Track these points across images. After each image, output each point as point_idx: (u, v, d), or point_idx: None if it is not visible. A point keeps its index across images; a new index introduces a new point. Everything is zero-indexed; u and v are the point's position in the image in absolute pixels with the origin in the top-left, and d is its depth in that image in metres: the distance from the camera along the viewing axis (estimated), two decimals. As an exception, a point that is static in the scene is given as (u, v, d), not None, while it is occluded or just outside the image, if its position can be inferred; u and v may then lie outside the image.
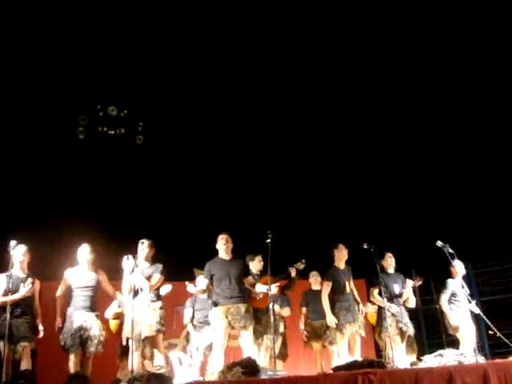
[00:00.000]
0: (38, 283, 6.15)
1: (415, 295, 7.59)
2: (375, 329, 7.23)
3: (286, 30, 8.90)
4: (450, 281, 7.32)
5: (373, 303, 7.42)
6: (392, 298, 7.03)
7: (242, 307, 6.00)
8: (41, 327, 6.04)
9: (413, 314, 7.34)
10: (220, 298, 6.04)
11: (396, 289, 7.11)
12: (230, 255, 6.27)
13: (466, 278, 7.58)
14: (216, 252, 6.29)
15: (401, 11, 8.69)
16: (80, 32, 8.39)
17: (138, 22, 8.53)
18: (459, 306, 7.19)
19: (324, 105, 9.87)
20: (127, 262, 5.85)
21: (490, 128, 9.61)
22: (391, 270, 7.27)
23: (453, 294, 7.29)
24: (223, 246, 6.23)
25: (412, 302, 7.33)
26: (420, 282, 7.35)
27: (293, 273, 6.94)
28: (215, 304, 6.07)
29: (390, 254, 7.30)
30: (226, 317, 5.91)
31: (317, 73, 9.49)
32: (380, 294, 6.88)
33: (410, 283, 7.17)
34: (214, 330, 6.00)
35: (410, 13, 8.70)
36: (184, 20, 8.66)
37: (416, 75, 9.43)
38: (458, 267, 7.28)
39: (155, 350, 5.97)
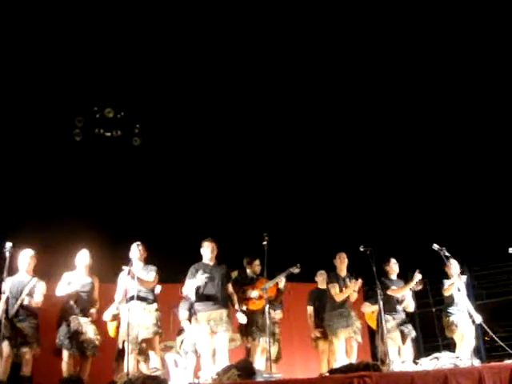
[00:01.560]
0: (42, 284, 6.12)
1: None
2: (376, 333, 7.23)
3: (284, 30, 8.89)
4: (446, 281, 7.30)
5: (372, 303, 7.43)
6: (395, 303, 7.07)
7: (224, 312, 6.04)
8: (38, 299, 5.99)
9: (409, 317, 7.33)
10: (202, 303, 6.05)
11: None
12: (214, 261, 6.29)
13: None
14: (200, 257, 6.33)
15: (401, 11, 8.70)
16: (77, 34, 8.37)
17: (134, 24, 8.52)
18: (456, 307, 7.17)
19: (321, 108, 9.88)
20: (125, 268, 5.86)
21: (487, 131, 9.62)
22: (394, 276, 7.28)
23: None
24: (210, 255, 6.28)
25: (411, 306, 7.34)
26: (420, 287, 7.34)
27: (281, 283, 6.97)
28: (198, 310, 6.08)
29: (394, 260, 7.32)
30: (208, 323, 5.93)
31: (313, 77, 9.50)
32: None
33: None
34: (198, 336, 6.01)
35: (410, 13, 8.71)
36: (181, 22, 8.65)
37: (413, 78, 9.44)
38: (454, 267, 7.30)
39: (152, 352, 5.96)
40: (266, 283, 6.49)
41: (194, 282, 6.08)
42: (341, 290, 6.89)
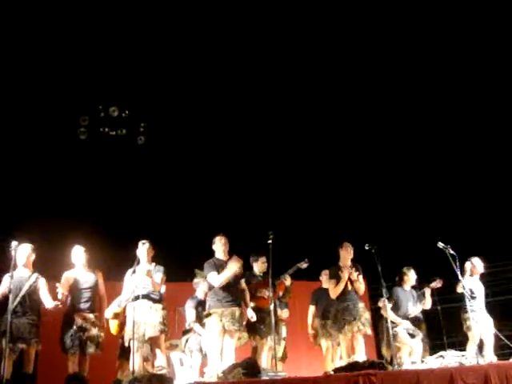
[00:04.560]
0: (43, 281, 6.11)
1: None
2: (381, 341, 7.22)
3: (286, 30, 8.90)
4: (466, 277, 7.22)
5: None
6: (403, 315, 7.10)
7: (237, 311, 6.00)
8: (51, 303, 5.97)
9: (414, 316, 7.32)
10: (214, 300, 6.02)
11: (410, 307, 7.17)
12: (227, 256, 6.28)
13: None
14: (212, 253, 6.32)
15: (401, 11, 8.69)
16: (81, 33, 8.39)
17: (139, 23, 8.53)
18: (473, 305, 7.14)
19: (326, 105, 9.87)
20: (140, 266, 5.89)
21: (492, 127, 9.60)
22: (407, 287, 7.30)
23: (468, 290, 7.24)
24: (222, 249, 6.23)
25: (428, 304, 7.34)
26: (439, 285, 7.31)
27: (288, 281, 6.96)
28: (209, 306, 6.06)
29: (413, 272, 7.31)
30: (221, 320, 5.89)
31: (317, 72, 9.49)
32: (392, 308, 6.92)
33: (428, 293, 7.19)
34: (209, 333, 6.00)
35: (410, 13, 8.70)
36: (185, 20, 8.66)
37: (416, 75, 9.42)
38: (477, 264, 7.31)
39: (158, 351, 5.97)
40: (276, 280, 6.51)
41: (225, 274, 5.99)
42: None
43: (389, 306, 6.93)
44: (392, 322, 6.89)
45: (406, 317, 7.13)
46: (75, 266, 6.29)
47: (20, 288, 5.89)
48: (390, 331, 6.48)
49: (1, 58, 8.19)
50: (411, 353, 6.95)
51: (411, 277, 7.31)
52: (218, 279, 6.00)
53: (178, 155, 9.66)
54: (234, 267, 6.04)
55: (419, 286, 7.52)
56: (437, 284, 7.25)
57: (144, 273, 5.88)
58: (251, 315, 6.40)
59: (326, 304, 7.27)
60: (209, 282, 6.13)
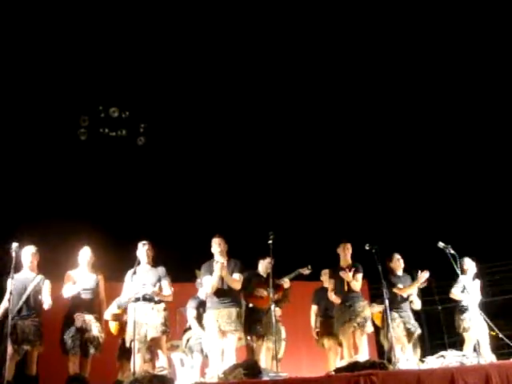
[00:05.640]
0: (47, 282, 6.13)
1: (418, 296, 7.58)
2: (381, 330, 7.22)
3: (286, 31, 8.90)
4: (462, 277, 7.17)
5: (379, 303, 7.41)
6: (401, 300, 7.08)
7: (234, 311, 6.02)
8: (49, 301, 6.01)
9: (415, 315, 7.31)
10: (212, 301, 6.06)
11: None
12: (226, 257, 6.28)
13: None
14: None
15: (401, 11, 8.69)
16: (81, 33, 8.39)
17: (139, 23, 8.54)
18: (467, 305, 7.14)
19: (326, 105, 9.87)
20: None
21: (493, 127, 9.60)
22: (400, 272, 7.27)
23: (463, 290, 7.24)
24: (217, 249, 6.23)
25: (417, 304, 7.32)
26: (425, 284, 7.32)
27: (286, 284, 6.96)
28: (207, 307, 6.11)
29: (398, 256, 7.30)
30: (217, 320, 5.92)
31: (317, 73, 9.49)
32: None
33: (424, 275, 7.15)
34: (207, 333, 6.01)
35: (410, 13, 8.70)
36: (185, 21, 8.66)
37: (416, 76, 9.42)
38: (468, 264, 7.31)
39: (159, 351, 5.97)
40: (278, 281, 6.51)
41: (211, 279, 6.06)
42: (343, 282, 6.80)
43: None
44: (400, 316, 6.91)
45: (402, 300, 7.13)
46: (79, 266, 6.30)
47: (25, 289, 5.91)
48: (390, 323, 6.49)
49: (1, 59, 8.19)
50: (403, 349, 6.95)
51: (396, 262, 7.27)
52: (208, 284, 6.08)
53: (178, 156, 9.66)
54: (217, 267, 6.05)
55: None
56: (422, 284, 7.23)
57: (153, 287, 5.96)
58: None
59: (327, 303, 7.29)
60: (203, 286, 6.23)
